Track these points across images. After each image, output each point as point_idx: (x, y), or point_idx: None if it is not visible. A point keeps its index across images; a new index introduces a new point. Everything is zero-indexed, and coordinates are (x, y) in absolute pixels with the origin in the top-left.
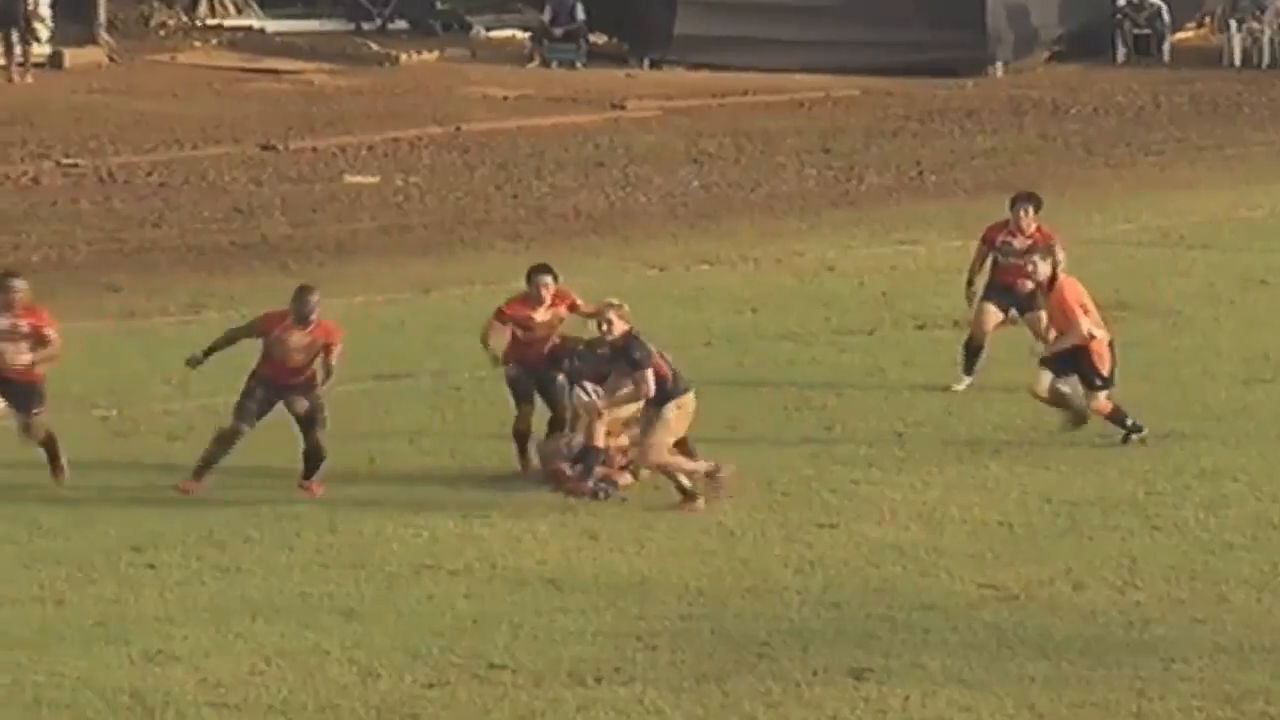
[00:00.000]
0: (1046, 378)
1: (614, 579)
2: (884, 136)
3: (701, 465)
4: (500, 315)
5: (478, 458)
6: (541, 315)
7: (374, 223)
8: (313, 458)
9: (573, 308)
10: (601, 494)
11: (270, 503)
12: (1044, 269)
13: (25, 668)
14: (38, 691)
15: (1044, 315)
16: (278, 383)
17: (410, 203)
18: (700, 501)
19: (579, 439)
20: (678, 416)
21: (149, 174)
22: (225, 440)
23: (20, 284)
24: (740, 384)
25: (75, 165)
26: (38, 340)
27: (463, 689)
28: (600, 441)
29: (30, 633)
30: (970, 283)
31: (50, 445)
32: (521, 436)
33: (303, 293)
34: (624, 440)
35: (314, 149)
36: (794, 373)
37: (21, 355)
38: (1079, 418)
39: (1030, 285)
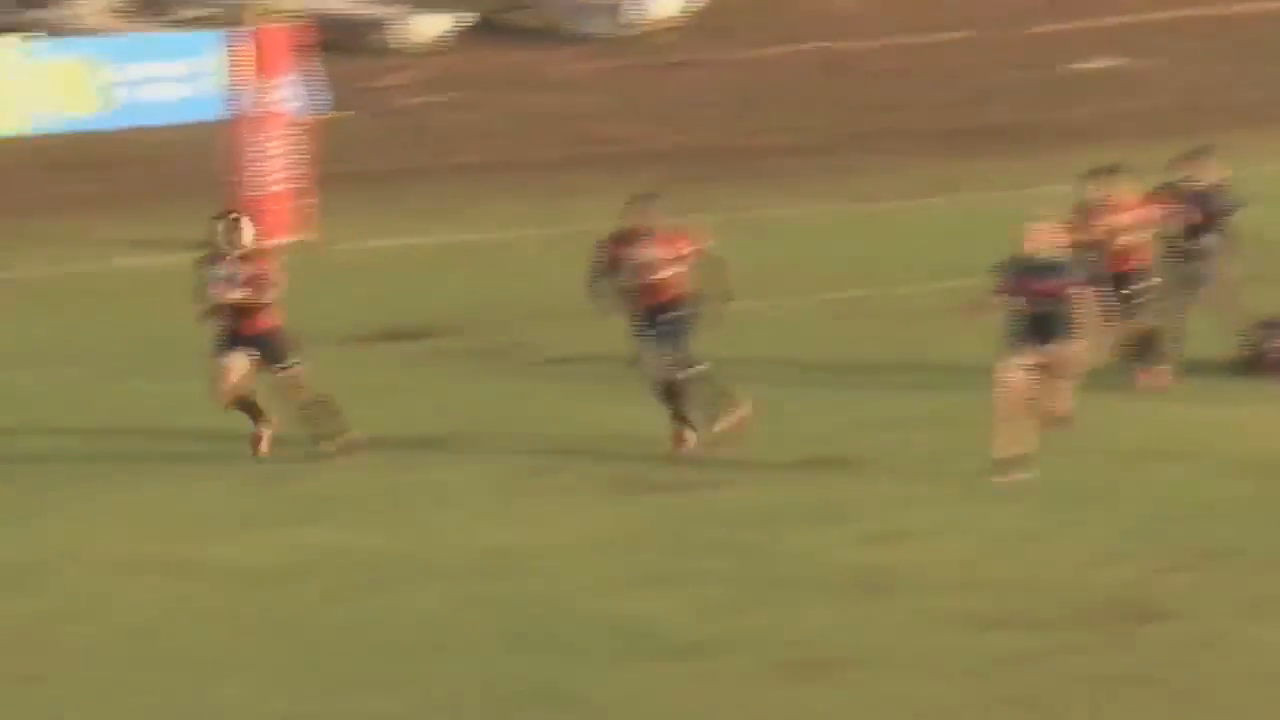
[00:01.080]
0: None
1: None
2: None
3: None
4: None
5: (1199, 350)
6: None
7: (1102, 108)
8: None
9: None
10: None
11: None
12: None
13: (754, 547)
14: (767, 568)
15: None
16: (647, 305)
17: (1142, 87)
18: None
19: None
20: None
21: (884, 59)
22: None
23: (247, 222)
24: None
25: (817, 49)
26: (260, 284)
27: (1197, 574)
28: None
29: (760, 513)
30: None
31: (315, 408)
32: None
33: (638, 201)
34: None
35: (1046, 33)
36: None
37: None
38: None
39: None
